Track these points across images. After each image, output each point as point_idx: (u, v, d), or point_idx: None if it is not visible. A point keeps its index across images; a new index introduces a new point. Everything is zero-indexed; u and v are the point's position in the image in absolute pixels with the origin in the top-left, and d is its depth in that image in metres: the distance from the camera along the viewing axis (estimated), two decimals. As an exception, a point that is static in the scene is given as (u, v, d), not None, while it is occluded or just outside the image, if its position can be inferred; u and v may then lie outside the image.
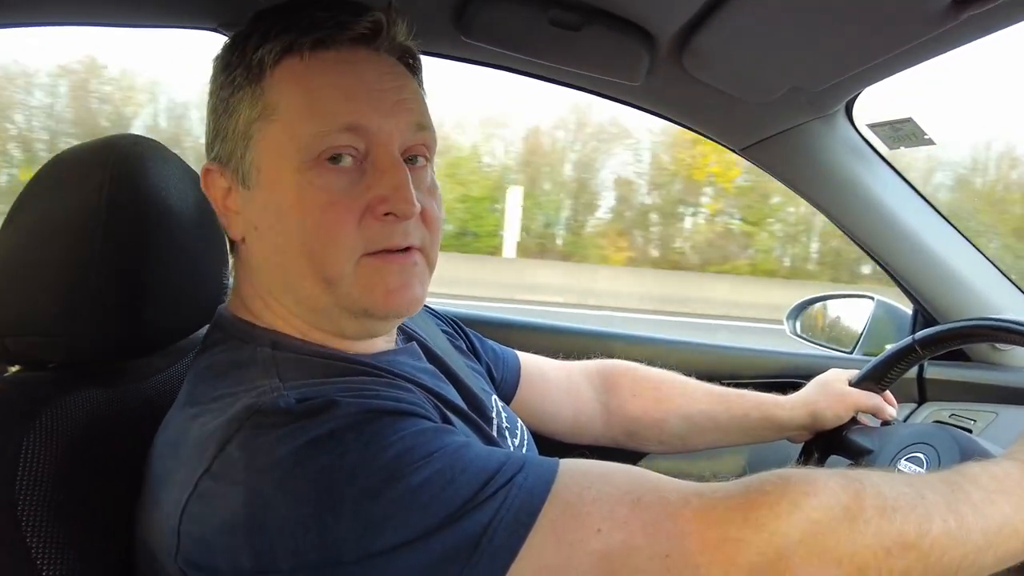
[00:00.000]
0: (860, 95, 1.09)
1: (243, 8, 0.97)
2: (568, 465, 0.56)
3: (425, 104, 0.67)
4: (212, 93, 0.65)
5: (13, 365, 0.69)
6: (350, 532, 0.49)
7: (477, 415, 0.73)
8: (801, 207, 11.60)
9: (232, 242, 0.69)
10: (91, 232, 0.64)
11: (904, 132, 1.10)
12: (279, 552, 0.49)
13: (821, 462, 1.04)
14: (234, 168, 0.64)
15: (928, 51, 0.83)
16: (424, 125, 0.65)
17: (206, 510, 0.51)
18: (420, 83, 0.71)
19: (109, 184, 0.65)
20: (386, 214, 0.61)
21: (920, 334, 0.98)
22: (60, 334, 0.64)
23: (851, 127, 1.19)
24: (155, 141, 0.75)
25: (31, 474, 0.55)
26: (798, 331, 1.63)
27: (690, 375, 1.10)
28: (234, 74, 0.63)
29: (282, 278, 0.64)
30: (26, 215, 0.67)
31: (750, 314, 8.45)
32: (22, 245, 0.66)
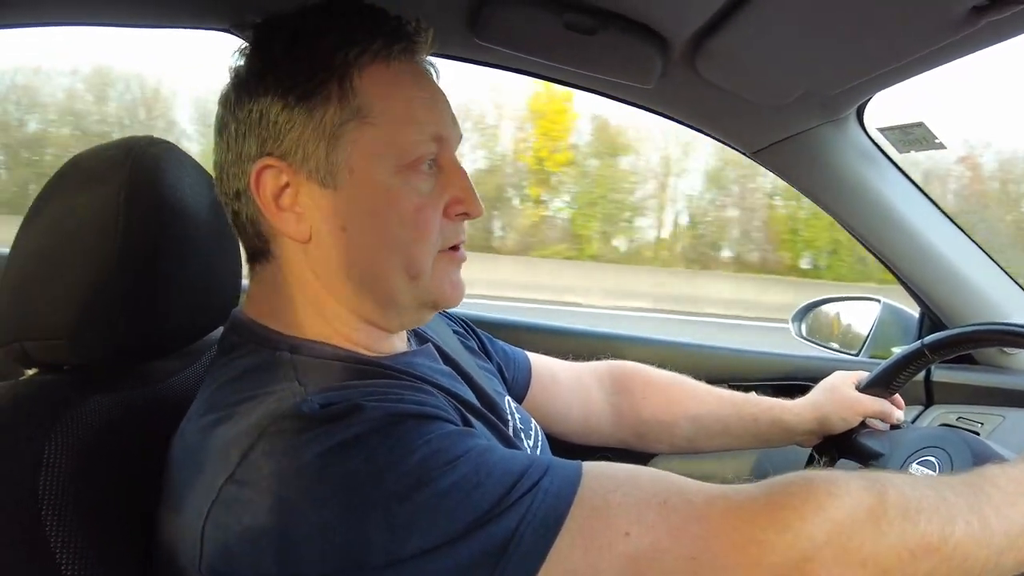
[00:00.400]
0: (871, 99, 1.09)
1: (256, 9, 0.98)
2: (592, 468, 0.56)
3: None
4: (274, 88, 0.62)
5: (30, 368, 0.69)
6: (377, 537, 0.49)
7: (494, 415, 0.73)
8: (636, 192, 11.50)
9: (263, 244, 0.67)
10: (109, 235, 0.64)
11: (915, 136, 1.10)
12: (305, 558, 0.49)
13: (831, 466, 1.04)
14: (312, 167, 0.62)
15: (944, 56, 0.83)
16: (461, 136, 0.71)
17: (230, 517, 0.51)
18: None
19: (127, 186, 0.65)
20: (459, 214, 0.67)
21: (929, 338, 0.98)
22: (77, 337, 0.64)
23: (862, 131, 1.19)
24: (170, 143, 0.75)
25: (53, 476, 0.55)
26: (804, 333, 1.63)
27: (698, 377, 1.10)
28: (310, 72, 0.62)
29: (365, 275, 0.64)
30: (44, 218, 0.67)
31: (567, 297, 8.50)
32: (39, 248, 0.66)
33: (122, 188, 0.65)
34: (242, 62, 0.66)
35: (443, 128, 0.66)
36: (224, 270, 0.79)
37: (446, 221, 0.66)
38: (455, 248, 0.69)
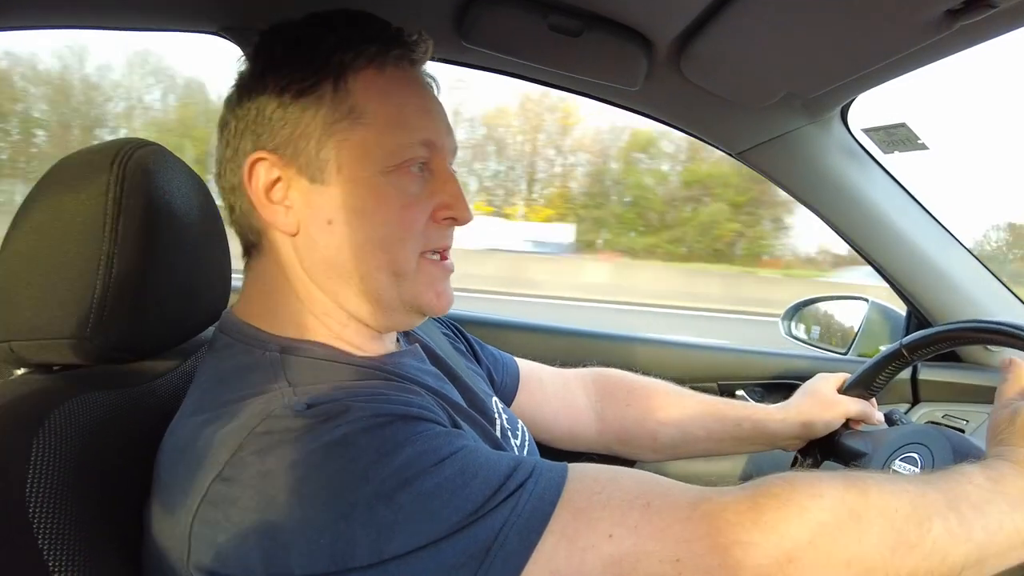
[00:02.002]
0: (856, 100, 1.10)
1: (246, 13, 0.99)
2: (577, 470, 0.57)
3: None
4: (272, 86, 0.64)
5: (19, 368, 0.69)
6: (363, 536, 0.50)
7: (481, 416, 0.74)
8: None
9: (256, 238, 0.69)
10: (97, 236, 0.65)
11: (898, 137, 1.12)
12: (292, 556, 0.50)
13: (815, 467, 1.05)
14: (302, 163, 0.64)
15: (922, 59, 0.85)
16: (455, 150, 0.72)
17: (218, 515, 0.52)
18: None
19: (115, 187, 0.66)
20: (446, 219, 0.69)
21: (907, 339, 0.99)
22: (66, 337, 0.65)
23: (846, 131, 1.20)
24: (160, 145, 0.76)
25: (41, 476, 0.56)
26: (792, 332, 1.64)
27: (688, 376, 1.11)
28: (306, 72, 0.64)
29: (349, 271, 0.66)
30: (32, 218, 0.67)
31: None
32: (28, 248, 0.66)
33: (111, 189, 0.66)
34: (245, 66, 0.68)
35: (435, 135, 0.68)
36: (213, 271, 0.80)
37: (433, 224, 0.68)
38: (442, 255, 0.70)
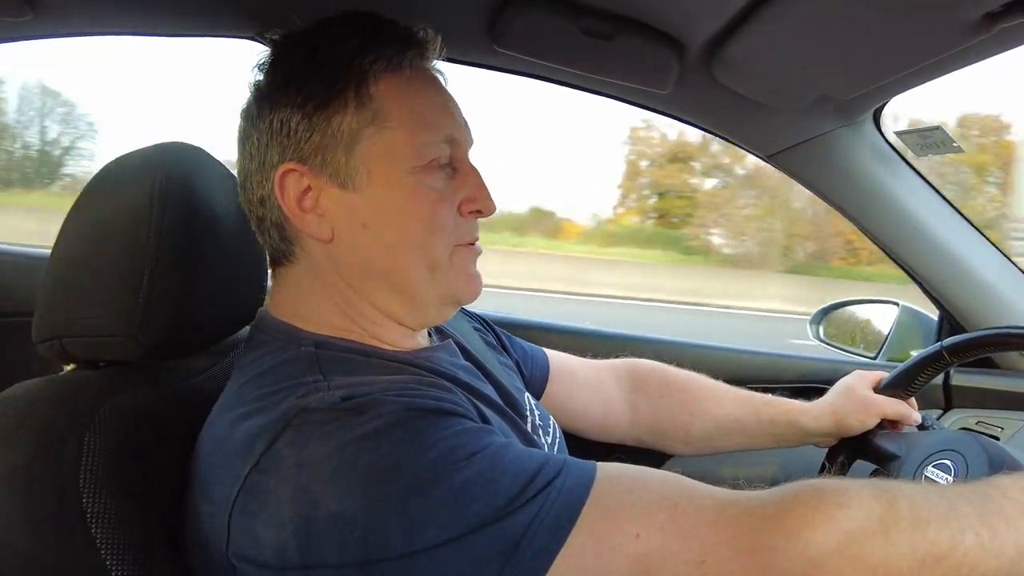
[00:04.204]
0: (888, 103, 1.09)
1: (282, 17, 1.00)
2: (606, 469, 0.57)
3: None
4: (294, 97, 0.65)
5: (68, 364, 0.72)
6: (394, 529, 0.51)
7: (513, 411, 0.75)
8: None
9: (287, 245, 0.69)
10: (142, 237, 0.67)
11: (932, 140, 1.10)
12: (325, 547, 0.51)
13: (847, 466, 1.04)
14: (331, 171, 0.65)
15: (958, 62, 0.84)
16: (473, 141, 0.74)
17: (255, 505, 0.54)
18: None
19: (159, 189, 0.68)
20: (472, 211, 0.71)
21: (948, 341, 0.98)
22: (113, 335, 0.67)
23: (879, 134, 1.19)
24: (201, 148, 0.78)
25: (93, 467, 0.58)
26: (821, 336, 1.63)
27: (716, 379, 1.11)
28: (328, 81, 0.65)
29: (387, 271, 0.67)
30: (81, 220, 0.70)
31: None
32: (78, 251, 0.68)
33: (155, 192, 0.68)
34: (261, 76, 0.69)
35: (455, 131, 0.70)
36: (250, 270, 0.82)
37: (460, 218, 0.70)
38: (470, 243, 0.72)
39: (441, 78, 0.73)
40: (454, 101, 0.72)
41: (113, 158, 0.74)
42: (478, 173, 0.71)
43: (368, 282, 0.68)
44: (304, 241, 0.68)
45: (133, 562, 0.57)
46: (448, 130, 0.69)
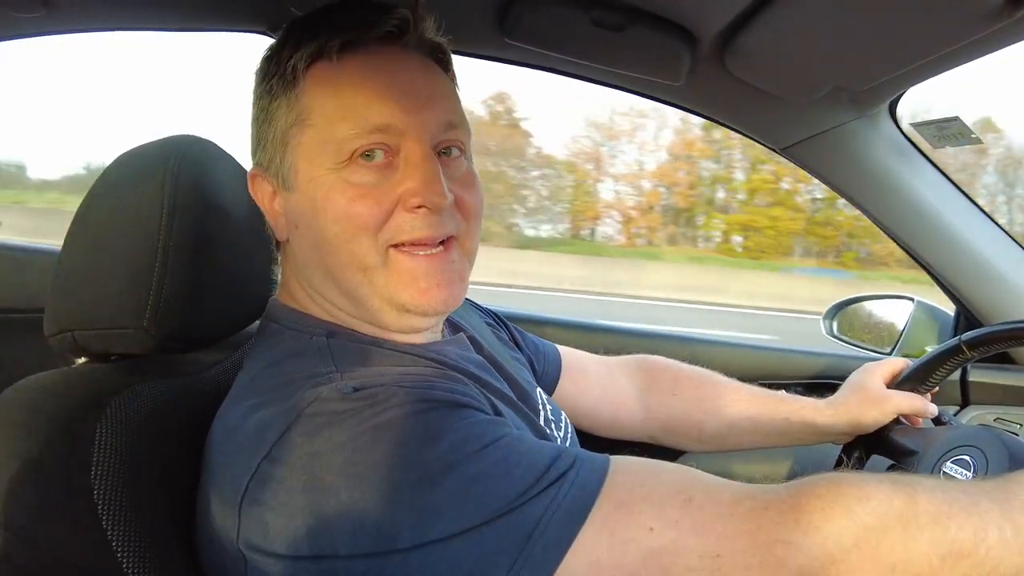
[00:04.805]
0: (904, 94, 1.08)
1: (292, 12, 1.00)
2: (619, 462, 0.57)
3: (457, 100, 0.70)
4: (253, 103, 0.69)
5: (79, 357, 0.72)
6: (407, 519, 0.50)
7: (525, 406, 0.74)
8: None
9: (278, 242, 0.73)
10: (153, 231, 0.67)
11: (950, 131, 1.09)
12: (337, 536, 0.51)
13: (863, 462, 1.03)
14: (275, 172, 0.67)
15: (978, 50, 0.82)
16: (455, 123, 0.67)
17: (266, 494, 0.53)
18: (452, 78, 0.73)
19: (170, 183, 0.68)
20: (417, 207, 0.63)
21: (967, 335, 0.96)
22: (124, 328, 0.67)
23: (895, 126, 1.17)
24: (211, 142, 0.78)
25: (104, 459, 0.58)
26: (835, 332, 1.61)
27: (729, 375, 1.10)
28: (271, 83, 0.66)
29: (324, 272, 0.66)
30: (93, 214, 0.70)
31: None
32: (89, 244, 0.69)
33: (165, 185, 0.68)
34: None
35: (394, 118, 0.63)
36: (261, 264, 0.82)
37: (403, 214, 0.63)
38: (427, 246, 0.65)
39: (417, 59, 0.68)
40: (410, 82, 0.65)
41: (124, 151, 0.74)
42: (430, 163, 0.63)
43: (319, 281, 0.68)
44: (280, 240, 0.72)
45: (144, 553, 0.57)
46: (379, 118, 0.62)
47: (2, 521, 0.56)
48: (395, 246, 0.64)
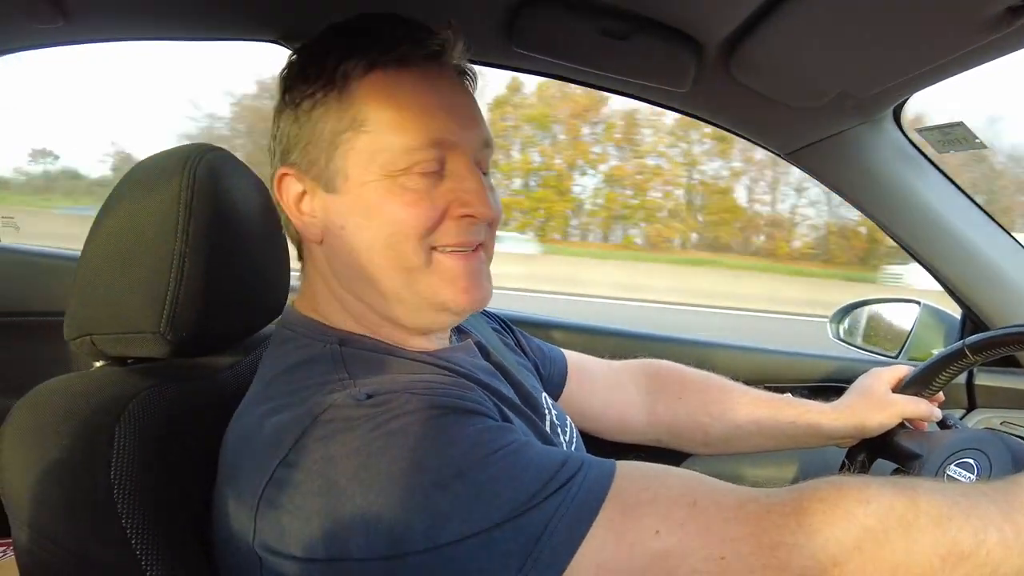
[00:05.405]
0: (908, 99, 1.08)
1: (304, 21, 1.02)
2: (625, 467, 0.58)
3: (486, 121, 0.73)
4: (289, 103, 0.68)
5: (98, 360, 0.73)
6: (419, 522, 0.52)
7: (532, 411, 0.75)
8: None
9: (301, 245, 0.73)
10: (170, 237, 0.68)
11: (954, 136, 1.09)
12: (351, 539, 0.52)
13: (867, 466, 1.03)
14: (315, 174, 0.68)
15: (980, 57, 0.83)
16: (489, 143, 0.72)
17: (282, 497, 0.55)
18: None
19: (186, 190, 0.69)
20: (464, 216, 0.67)
21: (971, 339, 0.96)
22: (143, 332, 0.68)
23: (899, 131, 1.18)
24: (226, 150, 0.80)
25: (123, 461, 0.60)
26: (841, 335, 1.61)
27: (735, 379, 1.10)
28: (315, 86, 0.67)
29: (366, 274, 0.68)
30: (111, 220, 0.71)
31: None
32: (108, 250, 0.70)
33: (182, 192, 0.69)
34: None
35: (447, 133, 0.66)
36: (274, 270, 0.83)
37: (448, 222, 0.67)
38: (465, 250, 0.69)
39: (468, 78, 0.73)
40: (460, 99, 0.70)
41: (141, 159, 0.76)
42: (475, 176, 0.68)
43: (357, 283, 0.69)
44: (307, 242, 0.72)
45: (161, 553, 0.59)
46: (435, 133, 0.66)
47: (26, 519, 0.58)
48: (435, 248, 0.67)
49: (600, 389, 1.06)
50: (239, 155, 0.80)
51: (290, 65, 0.70)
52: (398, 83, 0.66)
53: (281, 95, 0.70)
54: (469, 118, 0.70)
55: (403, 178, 0.65)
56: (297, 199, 0.69)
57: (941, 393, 1.04)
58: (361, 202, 0.66)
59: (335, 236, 0.68)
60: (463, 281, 0.68)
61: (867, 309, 1.62)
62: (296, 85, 0.68)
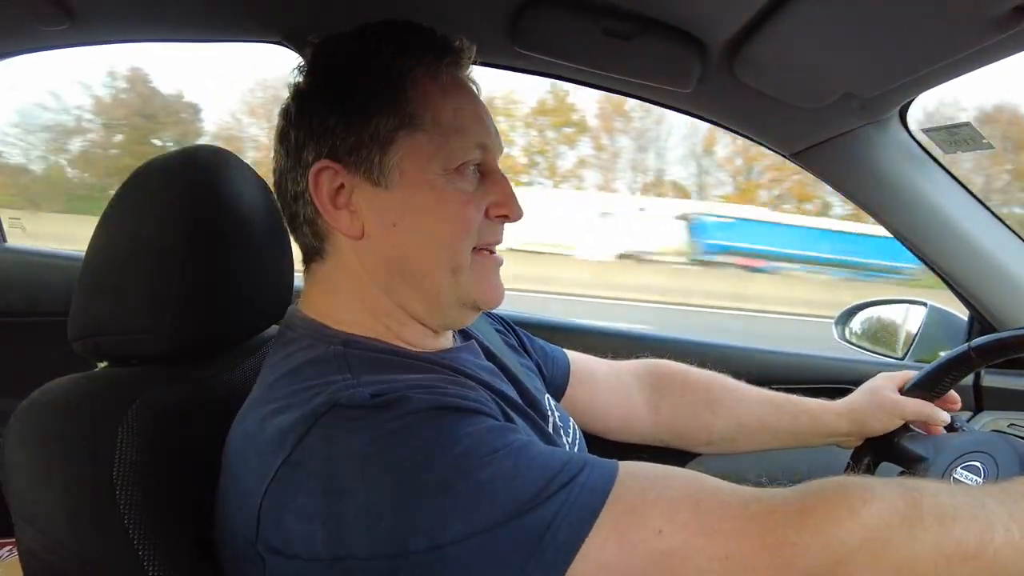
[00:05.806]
0: (914, 100, 1.08)
1: (307, 22, 1.02)
2: (628, 467, 0.58)
3: None
4: (337, 97, 0.68)
5: (101, 361, 0.74)
6: (421, 522, 0.52)
7: (534, 412, 0.76)
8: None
9: (317, 243, 0.71)
10: (172, 238, 0.69)
11: (961, 136, 1.08)
12: (354, 539, 0.52)
13: (872, 468, 1.03)
14: (365, 169, 0.67)
15: (986, 57, 0.82)
16: (502, 149, 0.75)
17: (285, 497, 0.55)
18: None
19: (190, 192, 0.70)
20: (500, 216, 0.72)
21: (976, 341, 0.96)
22: (146, 333, 0.69)
23: (905, 132, 1.17)
24: (230, 152, 0.80)
25: (126, 460, 0.60)
26: (847, 337, 1.60)
27: (738, 379, 1.10)
28: (365, 81, 0.68)
29: (411, 269, 0.69)
30: (115, 221, 0.72)
31: None
32: (111, 251, 0.71)
33: (184, 195, 0.70)
34: (302, 78, 0.71)
35: (486, 137, 0.71)
36: (278, 271, 0.83)
37: (486, 221, 0.71)
38: (491, 250, 0.73)
39: (474, 87, 0.75)
40: (486, 109, 0.74)
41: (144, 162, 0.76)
42: (506, 179, 0.73)
43: (394, 280, 0.69)
44: (335, 238, 0.70)
45: (164, 553, 0.59)
46: (479, 136, 0.70)
47: (29, 518, 0.59)
48: (474, 248, 0.70)
49: (603, 389, 1.06)
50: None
51: (329, 61, 0.70)
52: (449, 86, 0.70)
53: (318, 89, 0.69)
54: (495, 126, 0.74)
55: (455, 178, 0.68)
56: (333, 194, 0.68)
57: (957, 396, 1.03)
58: (418, 200, 0.67)
59: (382, 232, 0.68)
60: (494, 279, 0.73)
61: (872, 310, 1.61)
62: (342, 81, 0.68)
